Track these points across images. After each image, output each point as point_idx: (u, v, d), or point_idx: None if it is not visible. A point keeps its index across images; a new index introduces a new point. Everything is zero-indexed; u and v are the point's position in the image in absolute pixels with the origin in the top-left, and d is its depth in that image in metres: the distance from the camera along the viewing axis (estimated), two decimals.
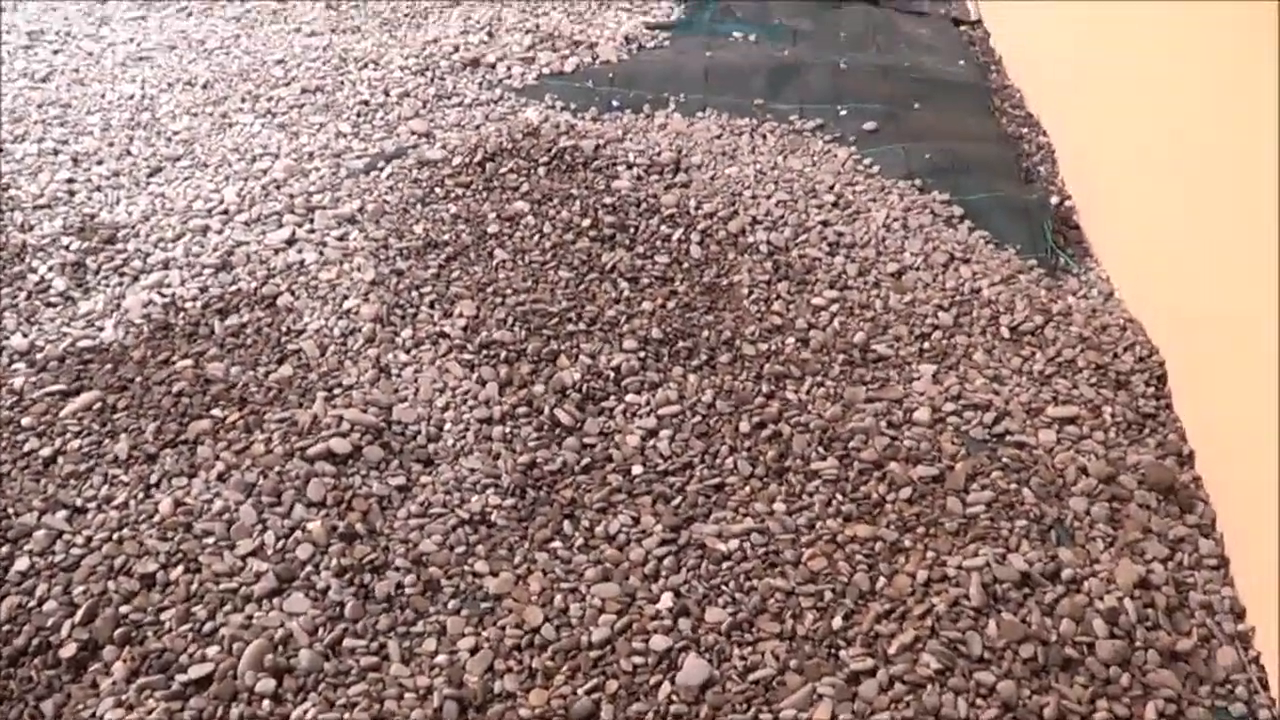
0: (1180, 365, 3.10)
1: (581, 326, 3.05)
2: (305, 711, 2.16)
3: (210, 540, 2.47)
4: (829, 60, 4.53)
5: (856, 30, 4.92)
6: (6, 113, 3.78)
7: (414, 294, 3.11)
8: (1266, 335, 2.60)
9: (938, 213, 3.71)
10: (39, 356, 2.89)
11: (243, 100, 3.91)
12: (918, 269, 3.44)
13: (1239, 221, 2.82)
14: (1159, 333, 3.24)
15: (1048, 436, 2.88)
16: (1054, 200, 3.91)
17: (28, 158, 3.58)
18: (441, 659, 2.27)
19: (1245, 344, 2.72)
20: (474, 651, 2.29)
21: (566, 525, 2.56)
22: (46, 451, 2.66)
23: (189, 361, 2.89)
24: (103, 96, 3.91)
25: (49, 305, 3.06)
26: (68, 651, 2.26)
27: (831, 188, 3.75)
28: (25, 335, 2.93)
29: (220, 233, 3.32)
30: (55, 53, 4.18)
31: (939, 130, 4.18)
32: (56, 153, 3.61)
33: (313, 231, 3.32)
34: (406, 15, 4.54)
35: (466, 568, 2.46)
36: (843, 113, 4.23)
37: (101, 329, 2.99)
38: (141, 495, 2.57)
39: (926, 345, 3.16)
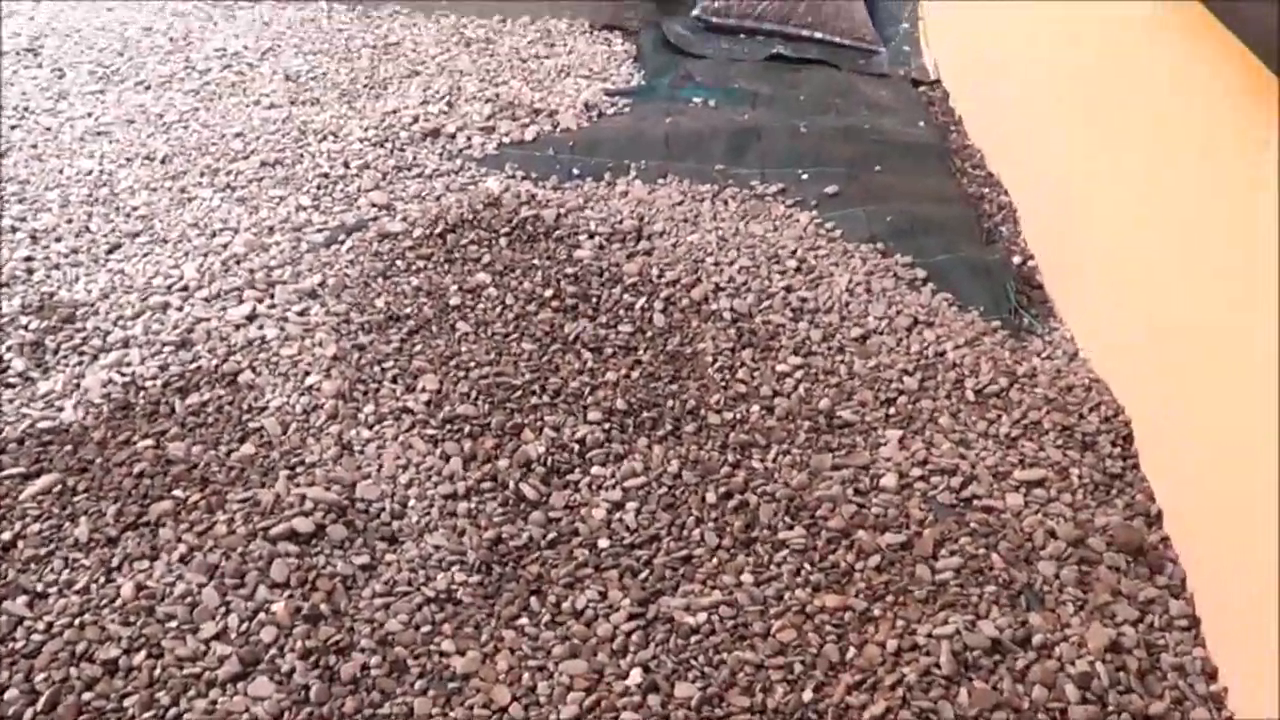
0: (1146, 424, 3.13)
1: (545, 399, 3.06)
2: None
3: (173, 624, 2.46)
4: (789, 124, 4.57)
5: (816, 93, 4.96)
6: None
7: (376, 369, 3.12)
8: (1232, 392, 2.63)
9: (901, 275, 3.75)
10: None
11: (202, 174, 3.92)
12: (882, 333, 3.47)
13: (1202, 278, 2.85)
14: (1124, 392, 3.28)
15: (1015, 500, 2.90)
16: (1016, 260, 3.95)
17: None
18: None
19: (1211, 401, 2.75)
20: None
21: (533, 601, 2.56)
22: (6, 535, 2.65)
23: (150, 441, 2.88)
24: (61, 172, 3.91)
25: (8, 386, 3.06)
26: None
27: (794, 252, 3.78)
28: None
29: (180, 309, 3.32)
30: (13, 128, 4.18)
31: (900, 192, 4.22)
32: (14, 230, 3.61)
33: (273, 307, 3.33)
34: (366, 86, 4.56)
35: (433, 647, 2.45)
36: (804, 176, 4.27)
37: (61, 409, 2.98)
38: (103, 579, 2.55)
39: (892, 410, 3.19)
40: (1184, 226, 2.98)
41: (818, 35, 5.49)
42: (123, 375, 3.08)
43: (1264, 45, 2.37)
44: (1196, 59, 2.90)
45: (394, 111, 4.35)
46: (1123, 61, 3.46)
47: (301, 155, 4.05)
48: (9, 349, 3.16)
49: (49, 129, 4.18)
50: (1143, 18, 3.30)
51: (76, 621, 2.46)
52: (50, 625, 2.46)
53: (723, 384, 3.20)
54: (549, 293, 3.44)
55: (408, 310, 3.34)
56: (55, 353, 3.17)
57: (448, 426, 2.95)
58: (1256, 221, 2.57)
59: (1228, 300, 2.72)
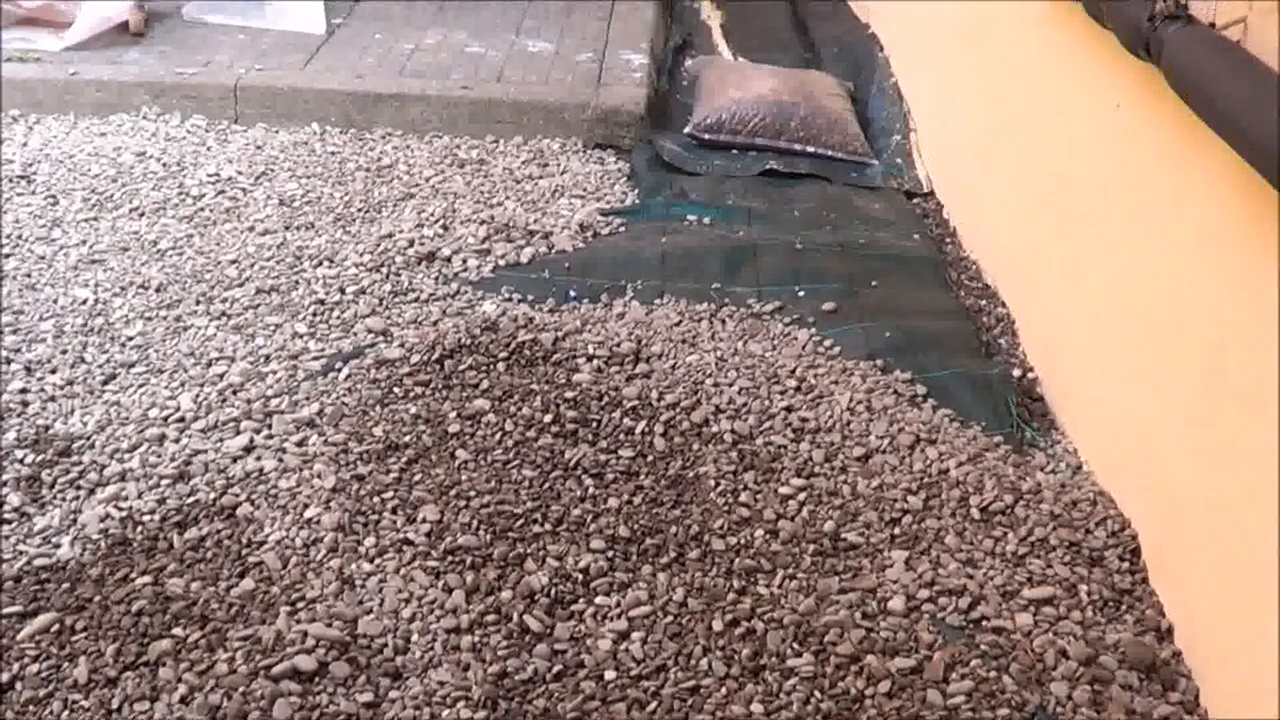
0: (1153, 537, 3.15)
1: (547, 527, 3.08)
2: None
3: None
4: (784, 240, 4.62)
5: (811, 208, 5.03)
6: None
7: (376, 500, 3.13)
8: (1237, 501, 2.65)
9: (901, 392, 3.78)
10: None
11: (197, 303, 3.96)
12: (884, 452, 3.50)
13: (1204, 389, 2.89)
14: (1130, 505, 3.30)
15: (1025, 619, 2.91)
16: (1016, 373, 3.99)
17: None
18: None
19: (1218, 511, 2.77)
20: None
21: None
22: (4, 677, 2.65)
23: (148, 578, 2.89)
24: (55, 302, 3.95)
25: (4, 522, 3.07)
26: None
27: (793, 372, 3.81)
28: None
29: (177, 441, 3.34)
30: (6, 256, 4.22)
31: (898, 307, 4.27)
32: (9, 361, 3.63)
33: (271, 438, 3.35)
34: (360, 210, 4.62)
35: None
36: (801, 293, 4.31)
37: (59, 546, 2.99)
38: None
39: (897, 531, 3.20)
40: (1182, 336, 3.03)
41: (810, 149, 5.56)
42: (120, 510, 3.10)
43: (1262, 158, 2.43)
44: (1193, 167, 2.95)
45: (389, 235, 4.40)
46: (1115, 170, 3.53)
47: (297, 281, 4.09)
48: (5, 484, 3.18)
49: (43, 257, 4.22)
50: (1129, 125, 3.37)
51: None
52: None
53: (726, 508, 3.21)
54: (548, 418, 3.47)
55: (406, 439, 3.36)
56: (52, 487, 3.19)
57: (449, 558, 2.96)
58: (1256, 329, 2.61)
59: (1230, 409, 2.75)
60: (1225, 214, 2.78)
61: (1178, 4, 2.86)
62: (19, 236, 4.37)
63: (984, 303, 4.47)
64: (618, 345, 3.83)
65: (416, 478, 3.22)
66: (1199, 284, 2.96)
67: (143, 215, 4.55)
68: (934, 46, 5.65)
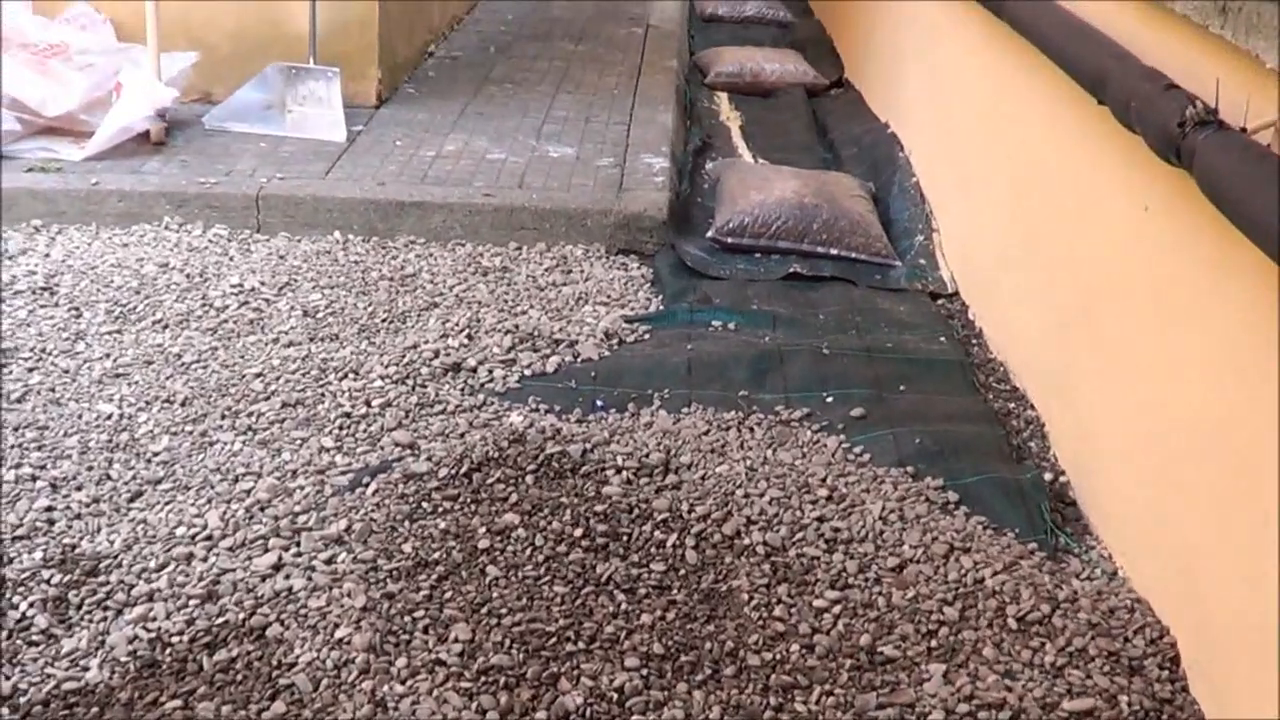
0: (1192, 644, 3.14)
1: (581, 645, 3.07)
2: None
3: None
4: (811, 345, 4.65)
5: (836, 312, 5.06)
6: None
7: (407, 619, 3.13)
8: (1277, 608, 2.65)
9: (933, 499, 3.78)
10: (22, 701, 2.88)
11: (223, 417, 3.99)
12: (918, 562, 3.50)
13: (1239, 493, 2.89)
14: (1168, 611, 3.29)
15: None
16: (1047, 476, 4.00)
17: (5, 485, 3.62)
18: None
19: (1257, 617, 2.76)
20: None
21: None
22: None
23: (178, 702, 2.88)
24: (80, 417, 3.98)
25: (31, 644, 3.07)
26: None
27: (824, 480, 3.82)
28: (7, 678, 2.93)
29: (205, 560, 3.35)
30: (30, 370, 4.26)
31: (926, 412, 4.28)
32: (34, 479, 3.65)
33: (300, 555, 3.35)
34: (384, 320, 4.66)
35: None
36: (829, 399, 4.33)
37: (86, 669, 2.99)
38: None
39: (934, 643, 3.20)
40: (1216, 439, 3.04)
41: (833, 251, 5.61)
42: (148, 631, 3.10)
43: None
44: (1226, 273, 2.98)
45: (414, 346, 4.43)
46: (1145, 273, 3.55)
47: (323, 395, 4.11)
48: (31, 605, 3.18)
49: (67, 371, 4.26)
50: (1159, 228, 3.40)
51: None
52: None
53: (760, 622, 3.21)
54: (579, 532, 3.47)
55: (436, 555, 3.37)
56: (79, 608, 3.19)
57: (483, 678, 2.95)
58: None
59: (1266, 513, 2.75)
60: (1259, 318, 2.80)
61: (1208, 110, 2.90)
62: (43, 350, 4.41)
63: (1012, 405, 4.48)
64: (646, 456, 3.85)
65: (447, 595, 3.22)
66: (1232, 387, 2.97)
67: (166, 327, 4.59)
68: (956, 147, 5.71)
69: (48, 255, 5.22)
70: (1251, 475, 2.82)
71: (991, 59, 4.98)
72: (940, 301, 5.39)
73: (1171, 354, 3.36)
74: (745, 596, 3.30)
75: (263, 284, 4.95)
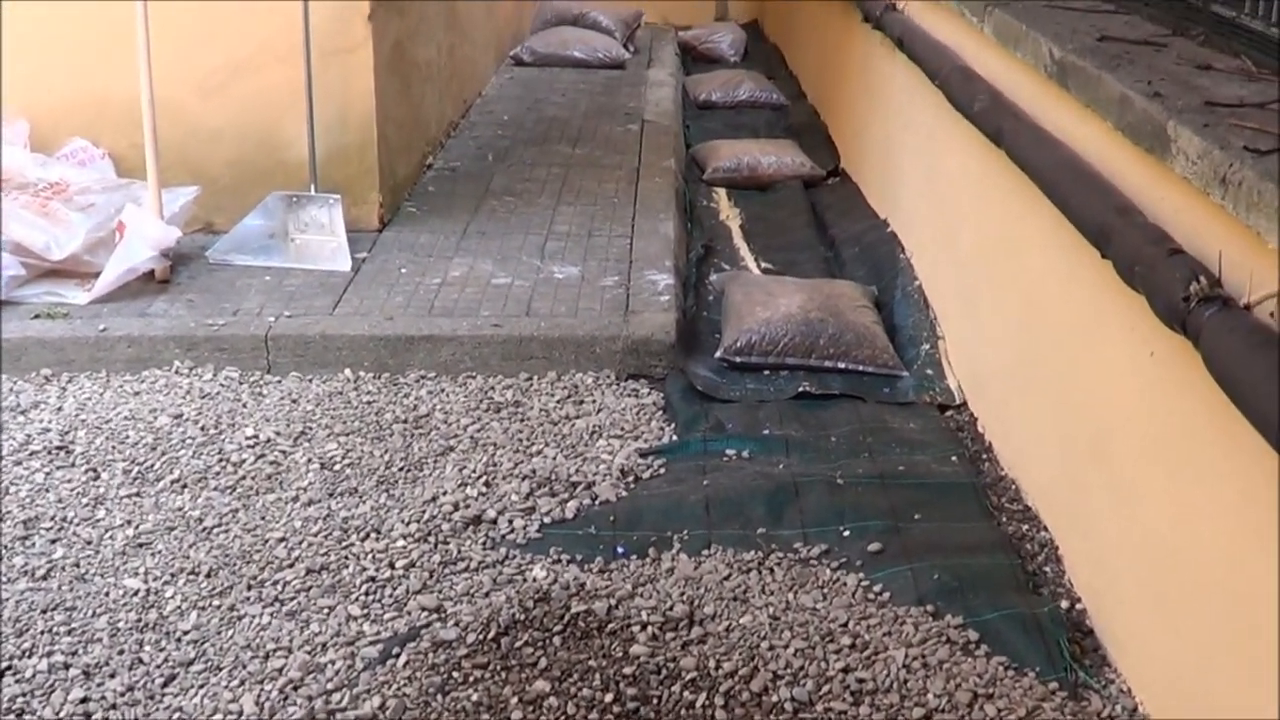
0: None
1: None
2: None
3: None
4: (825, 475, 4.76)
5: (847, 433, 5.17)
6: (10, 623, 3.93)
7: None
8: None
9: (954, 640, 3.89)
10: None
11: (249, 587, 4.09)
12: (943, 711, 3.60)
13: (1254, 631, 2.99)
14: None
15: None
16: (1064, 604, 4.11)
17: (38, 675, 3.71)
18: None
19: None
20: None
21: None
22: None
23: None
24: (107, 594, 4.08)
25: None
26: None
27: (846, 625, 3.93)
28: None
29: None
30: (53, 542, 4.37)
31: (942, 543, 4.39)
32: (67, 666, 3.75)
33: None
34: (401, 469, 4.77)
35: None
36: (845, 533, 4.45)
37: None
38: None
39: None
40: (1227, 580, 3.14)
41: (841, 365, 5.74)
42: None
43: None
44: (1229, 435, 3.07)
45: (433, 499, 4.54)
46: (1152, 415, 3.66)
47: (346, 558, 4.22)
48: None
49: (89, 542, 4.37)
50: (1164, 377, 3.50)
51: None
52: None
53: None
54: (609, 697, 3.58)
55: None
56: None
57: None
58: None
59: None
60: (1264, 472, 2.89)
61: (1213, 283, 3.01)
62: (63, 519, 4.52)
63: (1025, 527, 4.60)
64: (670, 609, 3.96)
65: None
66: (1240, 537, 3.07)
67: (185, 487, 4.70)
68: (958, 259, 5.84)
69: (60, 409, 5.33)
70: (1263, 623, 2.92)
71: (990, 185, 5.11)
72: (949, 413, 5.51)
73: (1179, 495, 3.47)
74: None
75: (278, 434, 5.07)
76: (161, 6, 6.28)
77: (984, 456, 5.13)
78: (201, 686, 3.69)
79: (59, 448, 5.02)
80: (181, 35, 6.60)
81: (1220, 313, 2.93)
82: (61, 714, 3.57)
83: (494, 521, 4.46)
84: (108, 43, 6.61)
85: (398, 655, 3.78)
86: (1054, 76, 4.34)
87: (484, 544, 4.34)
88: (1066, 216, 3.95)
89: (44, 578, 4.19)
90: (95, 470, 4.85)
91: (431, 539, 4.35)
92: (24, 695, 3.66)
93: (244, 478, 4.78)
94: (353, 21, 6.78)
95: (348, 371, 5.64)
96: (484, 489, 4.65)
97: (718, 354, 5.81)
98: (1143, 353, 3.64)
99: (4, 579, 4.15)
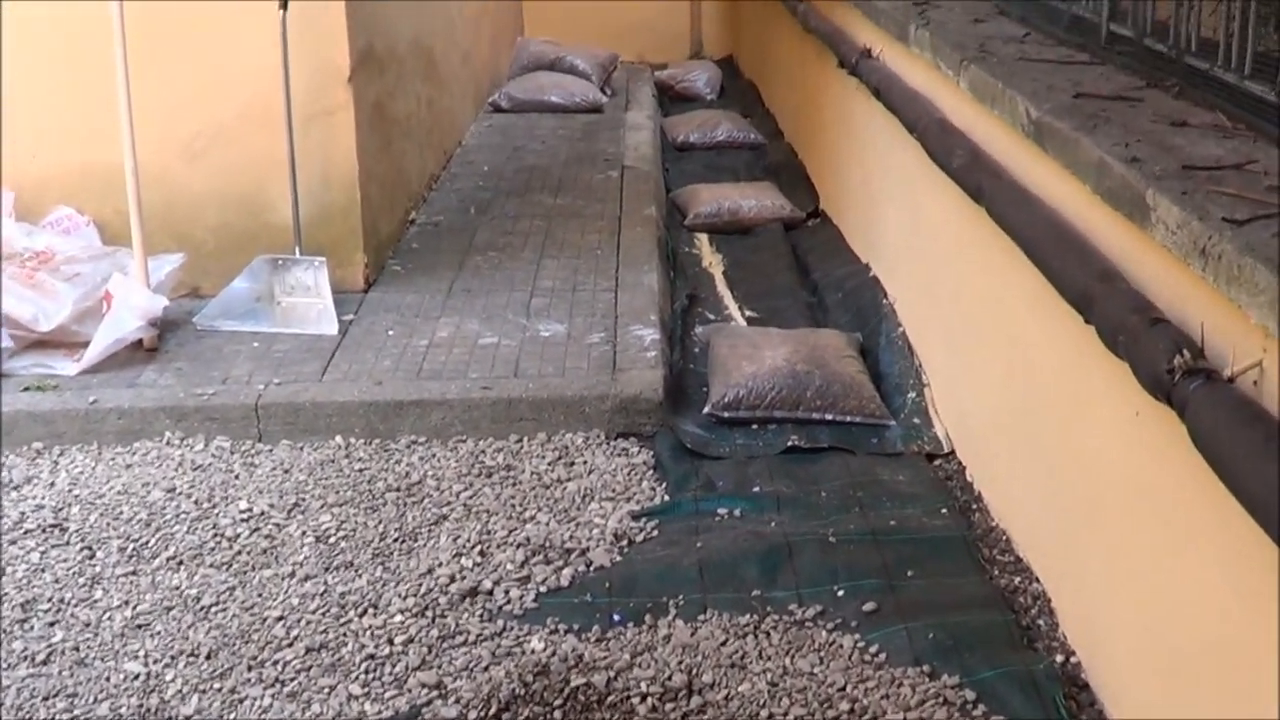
0: None
1: None
2: None
3: None
4: (817, 533, 4.80)
5: (837, 488, 5.22)
6: (13, 710, 3.95)
7: None
8: None
9: (951, 700, 3.92)
10: None
11: (249, 669, 4.11)
12: None
13: (1243, 670, 3.03)
14: None
15: None
16: (1059, 659, 4.15)
17: None
18: None
19: None
20: None
21: None
22: None
23: None
24: (108, 679, 4.10)
25: None
26: None
27: (844, 689, 3.96)
28: None
29: None
30: (51, 624, 4.39)
31: (935, 601, 4.42)
32: None
33: None
34: (396, 541, 4.80)
35: None
36: (840, 593, 4.48)
37: None
38: None
39: None
40: (1215, 647, 3.18)
41: (829, 416, 5.78)
42: None
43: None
44: (1207, 496, 3.11)
45: (429, 571, 4.57)
46: (1141, 475, 3.70)
47: (345, 635, 4.24)
48: None
49: (88, 624, 4.38)
50: (1150, 437, 3.53)
51: None
52: None
53: None
54: None
55: None
56: None
57: None
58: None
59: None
60: (1255, 539, 2.92)
61: (1197, 355, 3.05)
62: (61, 600, 4.53)
63: (1018, 579, 4.64)
64: (669, 679, 3.99)
65: None
66: (1233, 605, 3.11)
67: (181, 564, 4.72)
68: (942, 309, 5.90)
69: (53, 484, 5.35)
70: (1252, 680, 2.96)
71: (972, 240, 5.16)
72: (937, 462, 5.55)
73: (1168, 558, 3.51)
74: None
75: (271, 506, 5.09)
76: (143, 72, 6.33)
77: (974, 507, 5.18)
78: None
79: (53, 525, 5.04)
80: (163, 101, 6.65)
81: (1204, 386, 2.97)
82: None
83: (490, 592, 4.49)
84: (90, 109, 6.67)
85: None
86: (1032, 136, 4.38)
87: (481, 616, 4.37)
88: (1048, 280, 3.99)
89: (44, 662, 4.21)
90: (90, 548, 4.87)
91: (429, 613, 4.38)
92: None
93: (239, 553, 4.80)
94: (333, 84, 6.84)
95: (338, 438, 5.67)
96: (479, 559, 4.68)
97: (706, 409, 5.86)
98: (1129, 413, 3.69)
99: (4, 665, 4.17)
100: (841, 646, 4.20)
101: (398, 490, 5.22)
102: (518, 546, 4.74)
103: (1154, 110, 4.23)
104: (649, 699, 3.91)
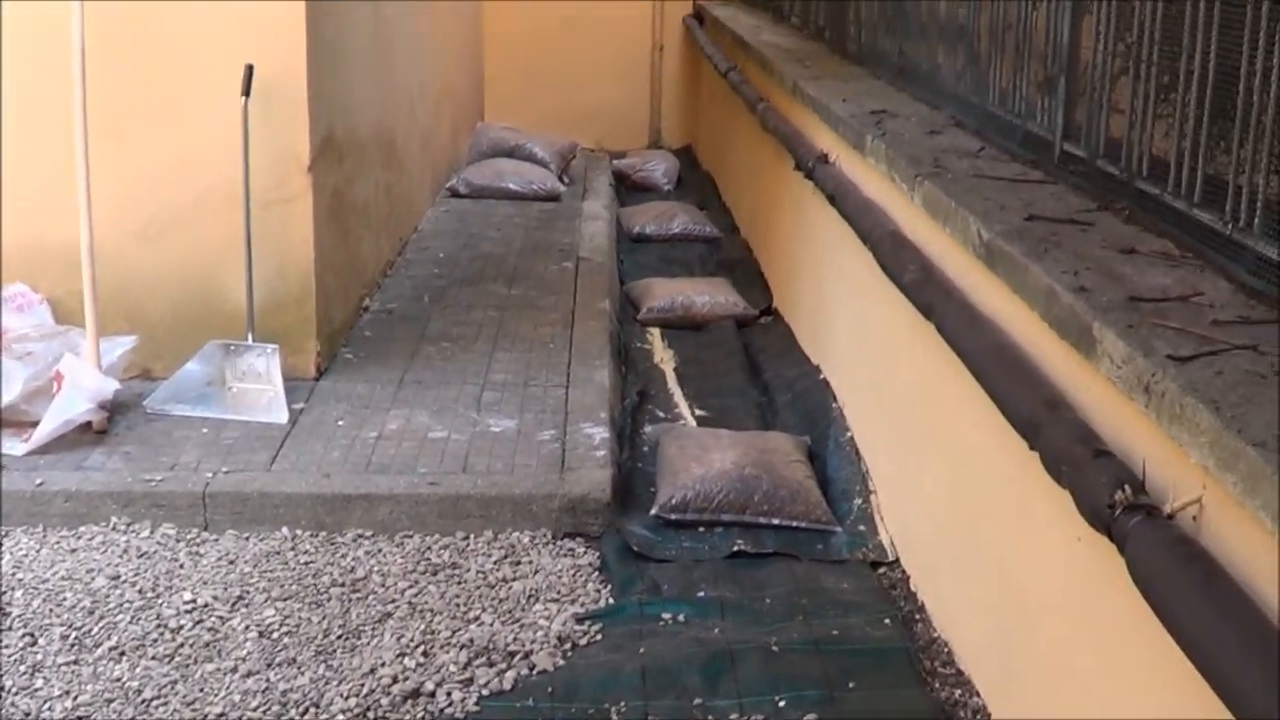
0: None
1: None
2: None
3: None
4: (760, 641, 4.84)
5: (781, 594, 5.26)
6: None
7: None
8: None
9: None
10: None
11: None
12: None
13: None
14: None
15: None
16: None
17: None
18: None
19: None
20: None
21: None
22: None
23: None
24: None
25: None
26: None
27: None
28: None
29: None
30: None
31: (876, 713, 4.48)
32: None
33: None
34: (340, 638, 4.79)
35: None
36: (781, 704, 4.51)
37: None
38: None
39: None
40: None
41: (775, 521, 5.83)
42: None
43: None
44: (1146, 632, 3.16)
45: (372, 671, 4.56)
46: (1083, 601, 3.76)
47: None
48: None
49: (28, 714, 4.36)
50: (1091, 564, 3.58)
51: None
52: None
53: None
54: None
55: None
56: None
57: None
58: None
59: None
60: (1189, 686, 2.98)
61: (1137, 490, 3.12)
62: (1, 687, 4.50)
63: (959, 693, 4.68)
64: None
65: None
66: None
67: (124, 655, 4.70)
68: (888, 417, 5.97)
69: None
70: None
71: (920, 354, 5.24)
72: (881, 570, 5.60)
73: (1107, 686, 3.56)
74: None
75: (215, 598, 5.08)
76: (102, 152, 6.37)
77: (917, 616, 5.22)
78: None
79: None
80: (121, 182, 6.67)
81: (1144, 522, 3.03)
82: None
83: (432, 694, 4.49)
84: (47, 187, 6.68)
85: None
86: (983, 258, 4.46)
87: (423, 718, 4.37)
88: (995, 403, 4.05)
89: None
90: (32, 635, 4.84)
91: (370, 714, 4.37)
92: None
93: (182, 645, 4.78)
94: (292, 171, 6.87)
95: (285, 530, 5.66)
96: (422, 659, 4.68)
97: (653, 510, 5.89)
98: (1070, 538, 3.75)
99: None
100: None
101: (343, 585, 5.22)
102: (461, 648, 4.74)
103: (1104, 236, 4.30)
104: None
